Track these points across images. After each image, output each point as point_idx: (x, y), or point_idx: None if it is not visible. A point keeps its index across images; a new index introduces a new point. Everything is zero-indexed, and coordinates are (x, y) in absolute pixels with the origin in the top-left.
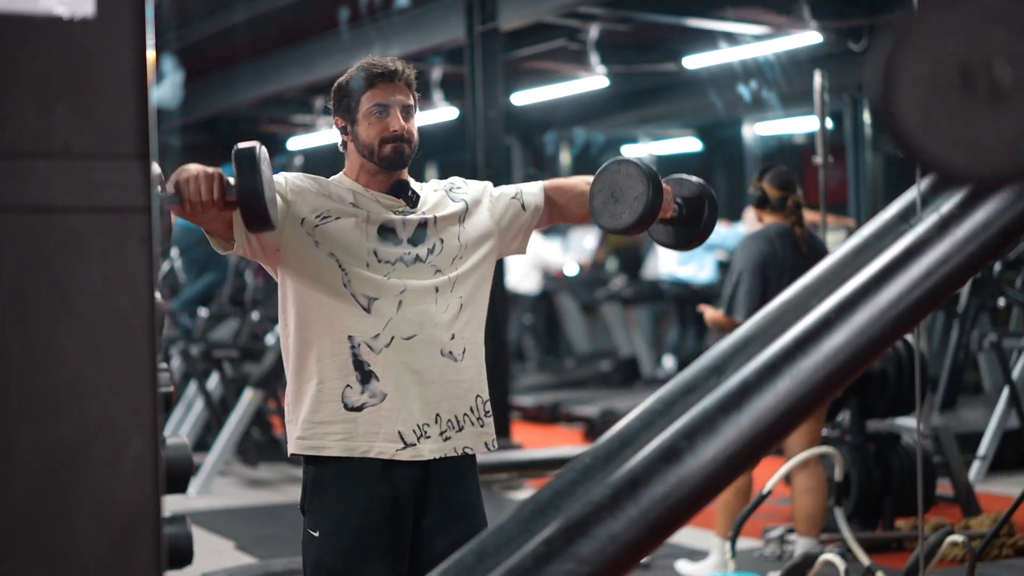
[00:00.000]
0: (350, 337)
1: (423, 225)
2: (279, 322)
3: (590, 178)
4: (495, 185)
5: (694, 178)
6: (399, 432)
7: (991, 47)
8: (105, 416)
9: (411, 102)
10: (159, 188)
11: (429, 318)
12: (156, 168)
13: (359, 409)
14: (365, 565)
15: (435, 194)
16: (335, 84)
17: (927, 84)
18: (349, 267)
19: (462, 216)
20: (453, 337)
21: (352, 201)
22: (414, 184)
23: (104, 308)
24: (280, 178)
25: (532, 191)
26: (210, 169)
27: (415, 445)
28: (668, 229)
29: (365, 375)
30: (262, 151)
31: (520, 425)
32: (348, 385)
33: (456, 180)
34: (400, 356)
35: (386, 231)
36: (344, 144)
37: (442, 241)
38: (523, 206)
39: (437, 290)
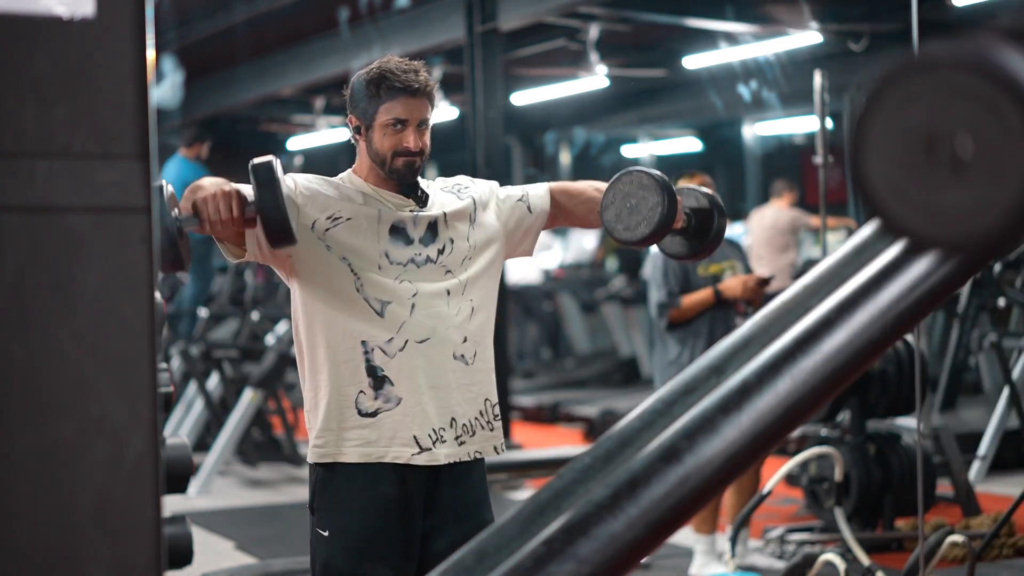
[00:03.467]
0: (363, 342)
1: (433, 224)
2: (292, 329)
3: (598, 184)
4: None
5: (703, 188)
6: (415, 436)
7: (954, 120)
8: (105, 416)
9: (429, 115)
10: (177, 211)
11: (442, 321)
12: (169, 188)
13: (373, 415)
14: (374, 565)
15: (443, 193)
16: (352, 79)
17: (895, 151)
18: (361, 271)
19: (471, 216)
20: (465, 340)
21: (362, 202)
22: (423, 183)
23: (104, 308)
24: (289, 180)
25: (538, 193)
26: (227, 186)
27: (431, 450)
28: (679, 239)
29: (378, 380)
30: (278, 165)
31: (520, 425)
32: (361, 391)
33: (463, 179)
34: (414, 360)
35: (397, 231)
36: (356, 139)
37: (452, 241)
38: (529, 208)
39: (449, 293)
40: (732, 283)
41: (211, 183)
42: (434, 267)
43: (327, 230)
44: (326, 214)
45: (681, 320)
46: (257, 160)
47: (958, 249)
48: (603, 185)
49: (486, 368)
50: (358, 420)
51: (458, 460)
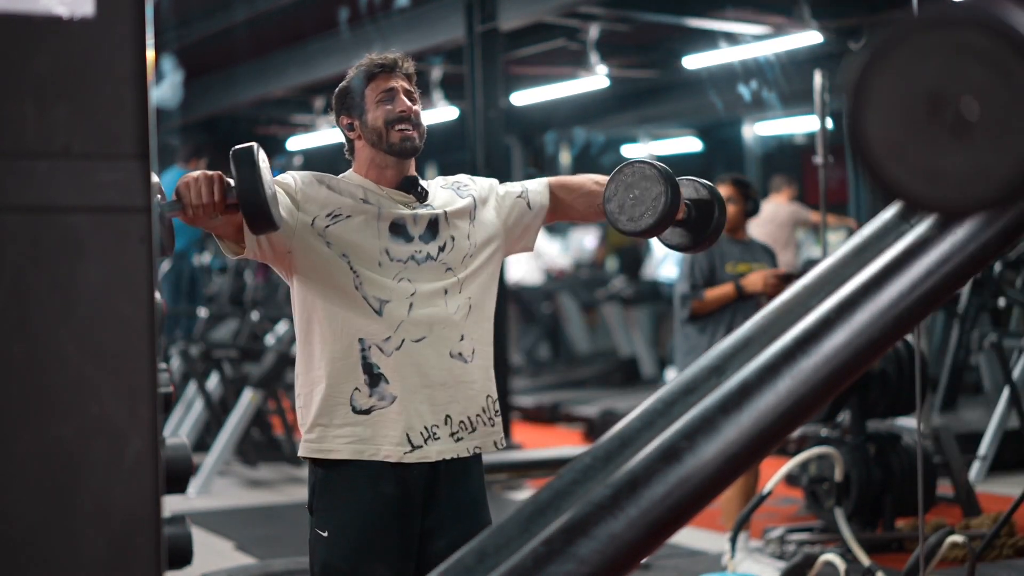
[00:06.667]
0: (360, 340)
1: (434, 222)
2: (295, 325)
3: (598, 177)
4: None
5: (702, 180)
6: (407, 435)
7: (961, 80)
8: (105, 416)
9: (413, 89)
10: (159, 196)
11: (439, 320)
12: (155, 178)
13: (367, 412)
14: (373, 564)
15: (444, 191)
16: (338, 88)
17: (896, 110)
18: (360, 268)
19: (472, 213)
20: (462, 338)
21: (363, 197)
22: (423, 181)
23: (104, 308)
24: (289, 178)
25: (537, 189)
26: (210, 172)
27: (422, 447)
28: (680, 231)
29: (374, 378)
30: (259, 150)
31: (520, 425)
32: (356, 388)
33: (463, 177)
34: (410, 358)
35: (397, 227)
36: (351, 147)
37: (453, 239)
38: (528, 204)
39: (446, 292)
40: (754, 278)
41: (199, 172)
42: (434, 264)
43: (327, 227)
44: (326, 211)
45: (702, 312)
46: (238, 145)
47: (957, 215)
48: (603, 178)
49: (485, 365)
50: (352, 417)
51: (455, 456)
